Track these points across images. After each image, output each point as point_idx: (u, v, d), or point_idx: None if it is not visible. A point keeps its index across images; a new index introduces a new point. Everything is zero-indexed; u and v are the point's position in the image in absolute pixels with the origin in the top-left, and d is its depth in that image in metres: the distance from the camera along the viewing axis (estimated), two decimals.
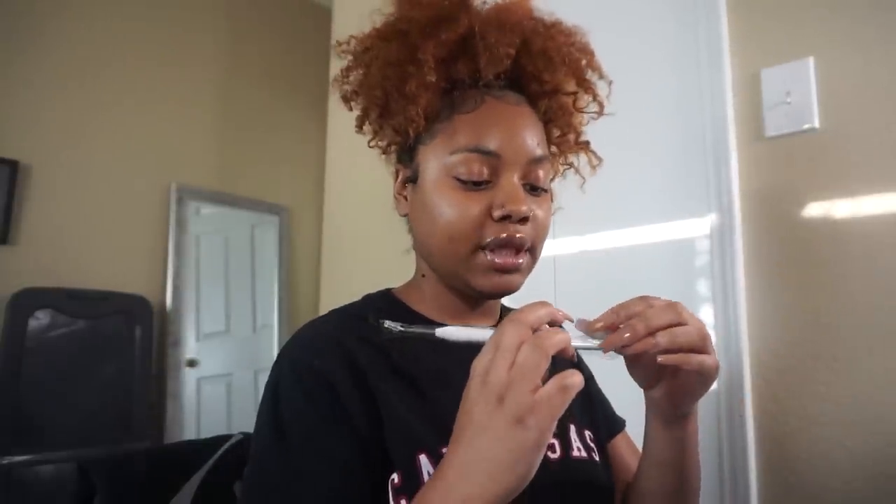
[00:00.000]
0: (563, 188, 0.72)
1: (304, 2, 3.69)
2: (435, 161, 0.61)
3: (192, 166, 3.15)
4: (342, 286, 1.84)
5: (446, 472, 0.44)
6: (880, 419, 0.96)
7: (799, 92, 1.08)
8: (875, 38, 1.03)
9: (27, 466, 2.22)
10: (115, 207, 2.82)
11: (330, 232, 1.91)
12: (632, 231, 1.30)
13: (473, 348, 0.47)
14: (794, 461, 1.03)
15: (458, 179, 0.59)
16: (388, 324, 0.50)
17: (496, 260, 0.59)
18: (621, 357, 0.54)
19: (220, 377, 3.25)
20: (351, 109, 0.69)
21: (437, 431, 0.56)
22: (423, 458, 0.55)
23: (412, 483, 0.53)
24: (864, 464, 0.96)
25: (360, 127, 0.70)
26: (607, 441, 0.73)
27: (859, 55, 1.04)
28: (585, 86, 0.68)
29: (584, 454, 0.65)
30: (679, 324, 0.50)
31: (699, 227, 1.20)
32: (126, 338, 2.64)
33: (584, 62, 0.67)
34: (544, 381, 0.43)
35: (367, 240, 1.77)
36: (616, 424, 0.77)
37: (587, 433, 0.68)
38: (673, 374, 0.55)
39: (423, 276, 0.67)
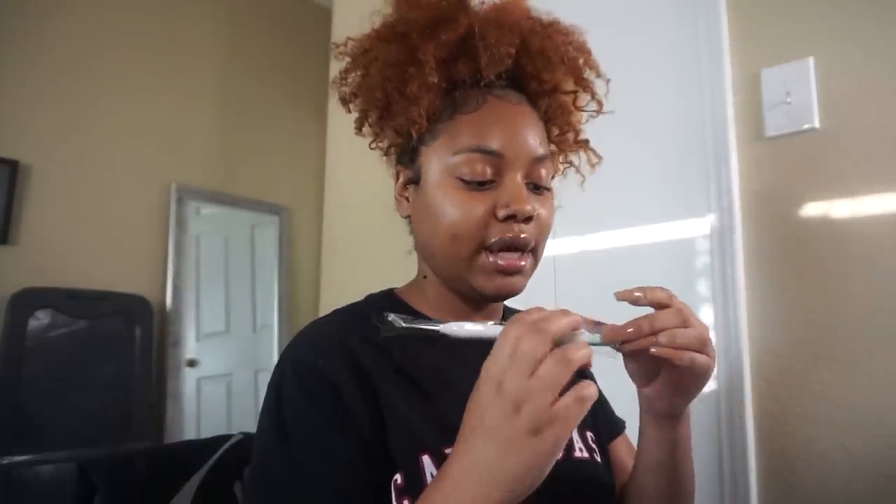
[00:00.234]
0: (563, 188, 0.72)
1: (304, 2, 3.69)
2: (437, 162, 0.61)
3: (192, 166, 3.15)
4: (342, 286, 1.84)
5: (454, 474, 0.43)
6: (880, 420, 0.96)
7: (799, 92, 1.08)
8: (875, 37, 1.03)
9: (27, 466, 2.22)
10: (115, 207, 2.82)
11: (330, 232, 1.91)
12: (632, 231, 1.30)
13: (477, 348, 0.47)
14: (794, 461, 1.03)
15: (462, 180, 0.59)
16: (392, 317, 0.50)
17: (499, 262, 0.58)
18: (621, 357, 0.54)
19: (220, 377, 3.25)
20: (350, 111, 0.69)
21: (440, 432, 0.56)
22: (426, 459, 0.55)
23: (415, 484, 0.53)
24: (864, 465, 0.96)
25: (359, 129, 0.70)
26: (608, 443, 0.73)
27: (859, 55, 1.04)
28: (584, 84, 0.68)
29: (585, 455, 0.65)
30: (683, 327, 0.51)
31: (699, 227, 1.20)
32: (126, 338, 2.64)
33: (581, 61, 0.67)
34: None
35: (367, 240, 1.77)
36: (616, 426, 0.77)
37: (588, 434, 0.68)
38: (667, 373, 0.55)
39: (425, 277, 0.67)
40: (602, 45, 0.71)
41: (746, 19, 1.17)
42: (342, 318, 0.64)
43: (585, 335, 0.50)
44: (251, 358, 3.38)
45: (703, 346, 0.52)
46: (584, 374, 0.76)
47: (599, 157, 0.72)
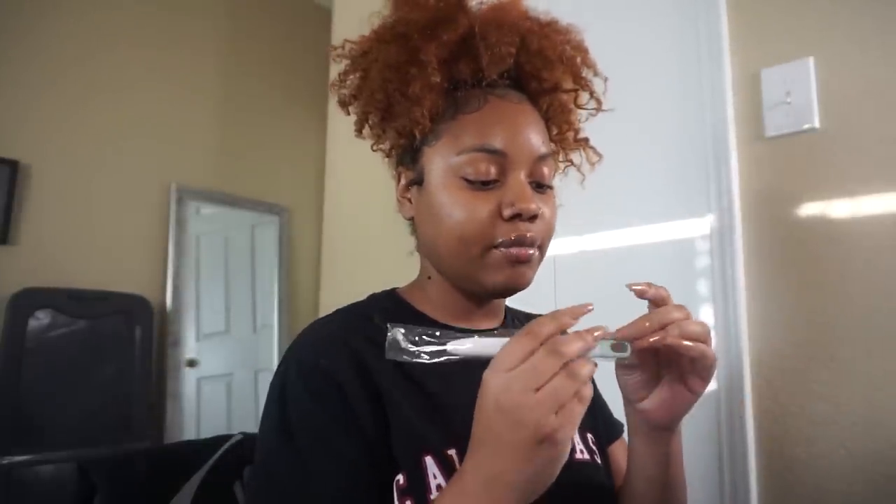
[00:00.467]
0: (563, 187, 0.72)
1: (304, 3, 3.69)
2: (441, 162, 0.61)
3: (192, 166, 3.15)
4: (342, 286, 1.84)
5: (467, 483, 0.45)
6: (880, 420, 0.96)
7: (799, 92, 1.08)
8: (875, 37, 1.03)
9: (27, 466, 2.22)
10: (115, 207, 2.82)
11: (330, 232, 1.91)
12: (632, 231, 1.30)
13: (486, 359, 0.46)
14: (794, 462, 1.03)
15: (466, 179, 0.59)
16: (396, 332, 0.49)
17: (511, 250, 0.58)
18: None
19: (220, 377, 3.25)
20: (349, 114, 0.69)
21: (442, 433, 0.56)
22: (428, 460, 0.55)
23: (417, 484, 0.53)
24: (865, 465, 0.96)
25: (359, 131, 0.69)
26: (607, 445, 0.73)
27: (859, 55, 1.04)
28: (582, 83, 0.68)
29: (586, 456, 0.66)
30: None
31: (699, 227, 1.20)
32: (126, 338, 2.64)
33: (579, 60, 0.68)
34: None
35: (367, 240, 1.77)
36: (615, 429, 0.77)
37: (589, 436, 0.69)
38: (669, 379, 0.56)
39: (429, 277, 0.67)
40: (602, 44, 0.71)
41: (746, 19, 1.17)
42: (344, 318, 0.64)
43: (603, 343, 0.50)
44: (251, 358, 3.38)
45: (707, 339, 0.52)
46: None
47: (600, 156, 0.72)
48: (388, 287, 0.71)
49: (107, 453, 0.75)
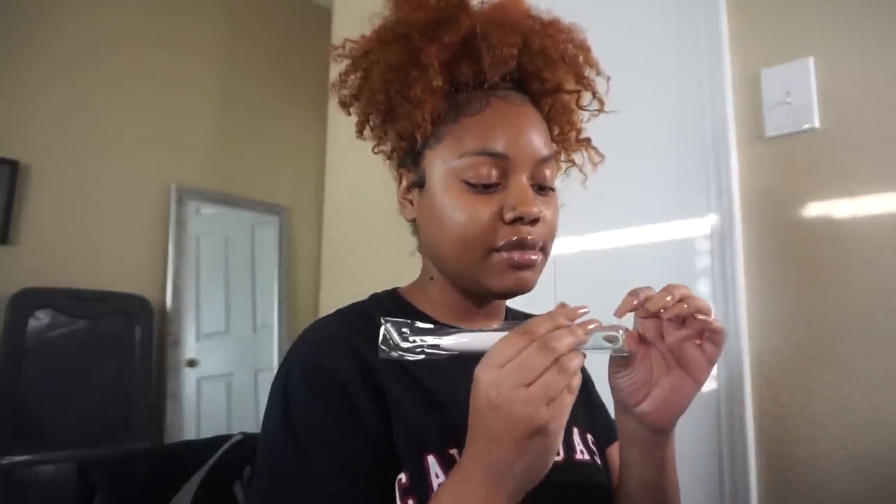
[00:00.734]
0: (564, 187, 0.72)
1: (304, 3, 3.69)
2: (442, 165, 0.61)
3: (192, 166, 3.15)
4: (342, 286, 1.84)
5: (469, 474, 0.46)
6: (880, 420, 0.96)
7: (799, 92, 1.08)
8: (875, 37, 1.03)
9: (27, 466, 2.22)
10: (115, 207, 2.82)
11: (330, 232, 1.91)
12: (632, 231, 1.30)
13: (480, 353, 0.47)
14: (794, 461, 1.03)
15: (468, 183, 0.59)
16: (387, 326, 0.49)
17: (513, 256, 0.58)
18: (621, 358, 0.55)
19: (220, 377, 3.25)
20: (349, 114, 0.69)
21: (445, 432, 0.56)
22: (431, 459, 0.55)
23: (420, 483, 0.53)
24: (865, 464, 0.96)
25: (360, 132, 0.69)
26: (606, 446, 0.73)
27: (859, 55, 1.04)
28: (584, 83, 0.68)
29: (586, 457, 0.66)
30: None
31: (699, 227, 1.20)
32: (126, 338, 2.64)
33: (581, 59, 0.67)
34: None
35: (367, 240, 1.77)
36: (613, 431, 0.77)
37: (589, 436, 0.69)
38: (667, 378, 0.56)
39: (431, 278, 0.67)
40: (602, 45, 0.71)
41: (746, 19, 1.17)
42: (346, 318, 0.64)
43: (596, 336, 0.51)
44: (251, 358, 3.38)
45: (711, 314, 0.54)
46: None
47: (602, 156, 0.72)
48: (388, 287, 0.71)
49: (107, 453, 0.75)
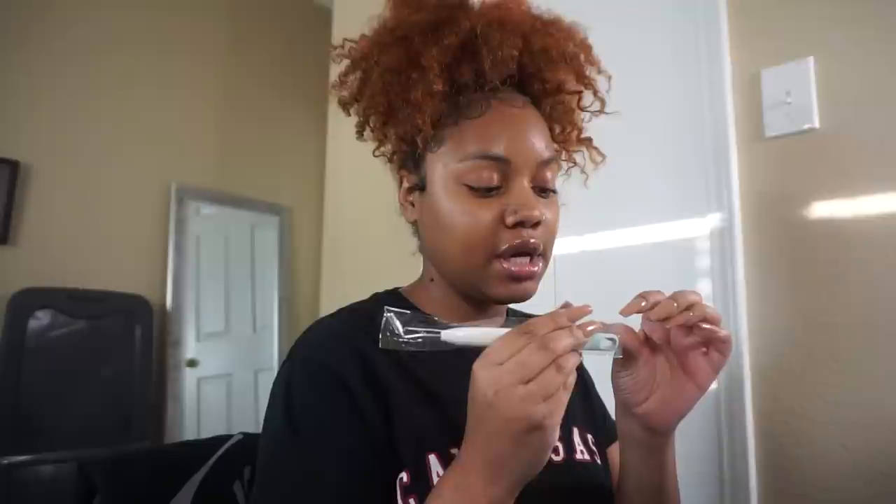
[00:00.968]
0: (564, 187, 0.72)
1: (304, 3, 3.69)
2: (443, 168, 0.61)
3: (192, 166, 3.15)
4: (342, 286, 1.84)
5: (468, 467, 0.46)
6: (880, 420, 0.96)
7: (799, 92, 1.08)
8: (875, 38, 1.03)
9: (27, 466, 2.22)
10: (115, 207, 2.82)
11: (330, 232, 1.91)
12: (632, 231, 1.30)
13: (481, 349, 0.47)
14: (794, 461, 1.03)
15: (469, 187, 0.59)
16: (389, 315, 0.49)
17: (512, 269, 0.58)
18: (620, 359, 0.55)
19: (220, 377, 3.25)
20: (349, 115, 0.69)
21: (446, 431, 0.56)
22: (432, 458, 0.55)
23: (421, 483, 0.54)
24: (865, 464, 0.96)
25: (360, 134, 0.69)
26: (607, 446, 0.73)
27: (859, 55, 1.04)
28: (585, 82, 0.68)
29: (586, 457, 0.66)
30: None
31: (699, 227, 1.20)
32: (126, 338, 2.64)
33: (582, 57, 0.67)
34: None
35: (367, 240, 1.77)
36: (614, 431, 0.77)
37: (590, 437, 0.69)
38: (671, 380, 0.56)
39: (432, 280, 0.67)
40: (602, 45, 0.71)
41: (746, 19, 1.17)
42: (349, 317, 0.64)
43: (597, 336, 0.51)
44: (251, 358, 3.38)
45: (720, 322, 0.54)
46: (581, 375, 0.76)
47: (603, 156, 0.72)
48: (388, 287, 0.71)
49: (107, 453, 0.75)
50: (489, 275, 0.59)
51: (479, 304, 0.66)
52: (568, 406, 0.45)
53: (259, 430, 0.61)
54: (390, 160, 0.70)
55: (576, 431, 0.67)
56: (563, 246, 1.37)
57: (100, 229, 2.75)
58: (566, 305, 0.49)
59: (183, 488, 0.72)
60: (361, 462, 0.53)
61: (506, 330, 0.47)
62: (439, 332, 0.49)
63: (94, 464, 0.70)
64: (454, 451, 0.55)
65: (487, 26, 0.61)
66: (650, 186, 1.28)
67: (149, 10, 3.02)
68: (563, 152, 0.72)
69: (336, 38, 0.68)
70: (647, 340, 0.55)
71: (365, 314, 0.63)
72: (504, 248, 0.58)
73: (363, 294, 0.69)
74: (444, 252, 0.62)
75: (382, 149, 0.70)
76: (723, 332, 0.53)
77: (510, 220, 0.58)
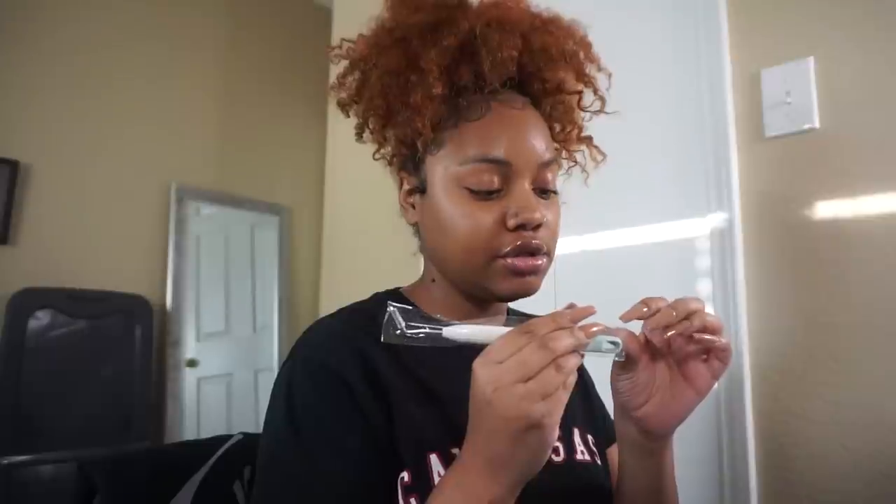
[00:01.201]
0: (565, 187, 0.72)
1: (304, 3, 3.69)
2: (443, 171, 0.61)
3: (192, 166, 3.15)
4: (342, 286, 1.84)
5: (469, 465, 0.46)
6: (880, 420, 0.96)
7: (799, 92, 1.08)
8: (875, 38, 1.03)
9: (27, 466, 2.22)
10: (115, 207, 2.82)
11: (330, 232, 1.91)
12: (632, 231, 1.30)
13: (482, 347, 0.47)
14: (794, 461, 1.03)
15: (470, 190, 0.59)
16: (395, 311, 0.50)
17: (516, 263, 0.58)
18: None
19: (220, 377, 3.25)
20: (348, 116, 0.69)
21: (447, 431, 0.56)
22: (433, 458, 0.55)
23: (422, 482, 0.54)
24: (864, 464, 0.96)
25: (359, 135, 0.69)
26: (606, 447, 0.73)
27: (859, 55, 1.04)
28: (585, 80, 0.68)
29: (587, 457, 0.66)
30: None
31: (699, 227, 1.20)
32: (126, 338, 2.64)
33: (581, 55, 0.67)
34: None
35: (367, 240, 1.77)
36: (614, 431, 0.77)
37: (590, 437, 0.69)
38: (670, 384, 0.56)
39: (433, 280, 0.67)
40: (601, 45, 0.71)
41: (746, 19, 1.17)
42: (349, 317, 0.64)
43: (599, 338, 0.51)
44: (251, 358, 3.38)
45: (722, 329, 0.54)
46: (581, 375, 0.76)
47: (603, 155, 0.72)
48: (388, 287, 0.71)
49: (107, 453, 0.75)
50: (492, 272, 0.59)
51: (480, 305, 0.66)
52: (568, 406, 0.45)
53: (259, 430, 0.61)
54: (390, 163, 0.70)
55: (576, 432, 0.67)
56: (563, 246, 1.36)
57: (100, 229, 2.75)
58: (570, 306, 0.48)
59: (183, 488, 0.72)
60: (363, 462, 0.53)
61: (508, 328, 0.47)
62: (441, 329, 0.49)
63: (94, 464, 0.70)
64: (455, 450, 0.55)
65: (486, 26, 0.61)
66: (650, 186, 1.28)
67: (149, 11, 3.02)
68: (564, 151, 0.71)
69: (336, 38, 0.68)
70: (647, 345, 0.55)
71: (365, 314, 0.63)
72: (505, 250, 0.58)
73: (363, 294, 0.69)
74: (446, 254, 0.62)
75: (382, 151, 0.69)
76: (722, 342, 0.53)
77: (511, 222, 0.58)
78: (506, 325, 0.49)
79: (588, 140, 0.71)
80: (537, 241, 0.59)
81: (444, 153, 0.61)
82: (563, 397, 0.44)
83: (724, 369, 0.55)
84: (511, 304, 0.73)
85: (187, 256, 3.09)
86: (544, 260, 0.61)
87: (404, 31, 0.61)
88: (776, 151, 1.11)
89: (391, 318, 0.49)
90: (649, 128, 1.28)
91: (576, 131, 0.70)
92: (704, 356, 0.55)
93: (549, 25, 0.65)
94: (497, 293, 0.61)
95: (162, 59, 3.05)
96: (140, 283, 2.83)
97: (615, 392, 0.58)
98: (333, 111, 0.71)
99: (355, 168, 1.81)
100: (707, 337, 0.52)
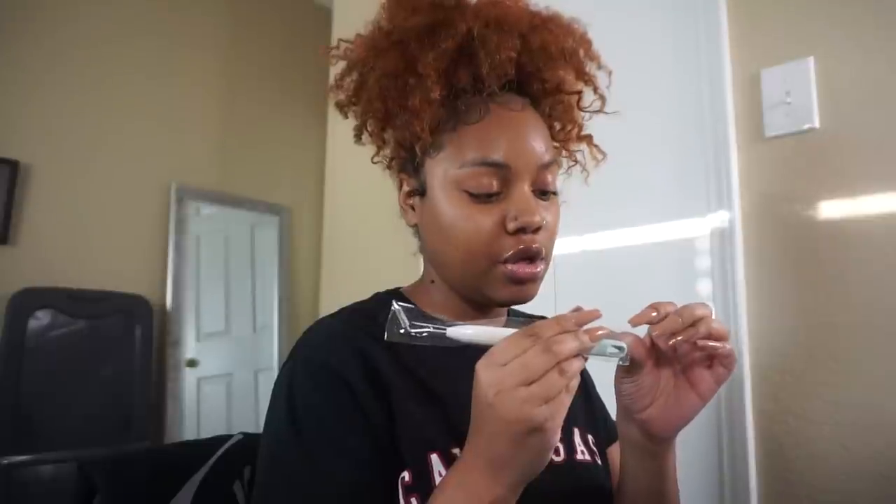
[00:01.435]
0: (565, 186, 0.72)
1: (304, 3, 3.69)
2: (443, 174, 0.60)
3: (192, 166, 3.14)
4: (342, 286, 1.84)
5: (471, 465, 0.46)
6: (880, 420, 0.96)
7: (799, 92, 1.08)
8: (875, 38, 1.03)
9: (27, 466, 2.22)
10: (115, 207, 2.82)
11: (330, 232, 1.91)
12: (632, 231, 1.30)
13: (484, 348, 0.47)
14: (794, 461, 1.03)
15: (469, 193, 0.59)
16: (397, 308, 0.50)
17: (515, 271, 0.58)
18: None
19: (220, 377, 3.25)
20: (347, 117, 0.68)
21: (448, 431, 0.56)
22: (434, 458, 0.55)
23: (423, 482, 0.54)
24: (864, 465, 0.96)
25: (358, 137, 0.69)
26: (607, 447, 0.73)
27: (859, 55, 1.04)
28: (585, 78, 0.67)
29: (587, 457, 0.66)
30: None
31: (699, 227, 1.20)
32: (126, 338, 2.63)
33: (581, 53, 0.66)
34: None
35: (367, 240, 1.77)
36: (614, 431, 0.77)
37: (590, 437, 0.69)
38: (674, 388, 0.56)
39: (433, 281, 0.67)
40: (601, 45, 0.71)
41: (746, 19, 1.17)
42: (350, 317, 0.64)
43: (604, 342, 0.51)
44: (251, 358, 3.38)
45: (727, 336, 0.53)
46: (581, 376, 0.76)
47: (603, 154, 0.71)
48: (388, 287, 0.71)
49: (107, 453, 0.75)
50: (491, 278, 0.59)
51: (480, 307, 0.65)
52: (570, 407, 0.45)
53: (259, 430, 0.61)
54: (389, 166, 0.70)
55: (577, 432, 0.67)
56: (563, 246, 1.37)
57: (100, 229, 2.75)
58: (577, 309, 0.48)
59: (183, 488, 0.72)
60: (365, 462, 0.53)
61: (512, 330, 0.46)
62: (445, 329, 0.49)
63: (94, 464, 0.70)
64: (456, 450, 0.55)
65: (485, 27, 0.60)
66: (650, 186, 1.28)
67: (149, 11, 3.02)
68: (564, 150, 0.71)
69: (336, 38, 0.68)
70: (652, 349, 0.55)
71: (366, 314, 0.63)
72: (507, 255, 0.58)
73: (363, 294, 0.69)
74: (446, 257, 0.62)
75: (381, 153, 0.69)
76: (727, 348, 0.53)
77: (511, 226, 0.58)
78: (507, 326, 0.49)
79: (588, 139, 0.71)
80: (537, 246, 0.58)
81: (444, 156, 0.61)
82: (566, 401, 0.44)
83: (728, 375, 0.54)
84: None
85: (187, 256, 3.09)
86: (542, 266, 0.60)
87: (401, 34, 0.61)
88: (776, 151, 1.11)
89: (395, 317, 0.49)
90: (649, 127, 1.28)
91: (576, 130, 0.70)
92: (709, 362, 0.55)
93: (549, 23, 0.65)
94: (495, 299, 0.61)
95: (162, 59, 3.05)
96: (140, 283, 2.83)
97: (619, 394, 0.58)
98: (333, 111, 0.71)
99: (355, 168, 1.81)
100: (712, 344, 0.52)
